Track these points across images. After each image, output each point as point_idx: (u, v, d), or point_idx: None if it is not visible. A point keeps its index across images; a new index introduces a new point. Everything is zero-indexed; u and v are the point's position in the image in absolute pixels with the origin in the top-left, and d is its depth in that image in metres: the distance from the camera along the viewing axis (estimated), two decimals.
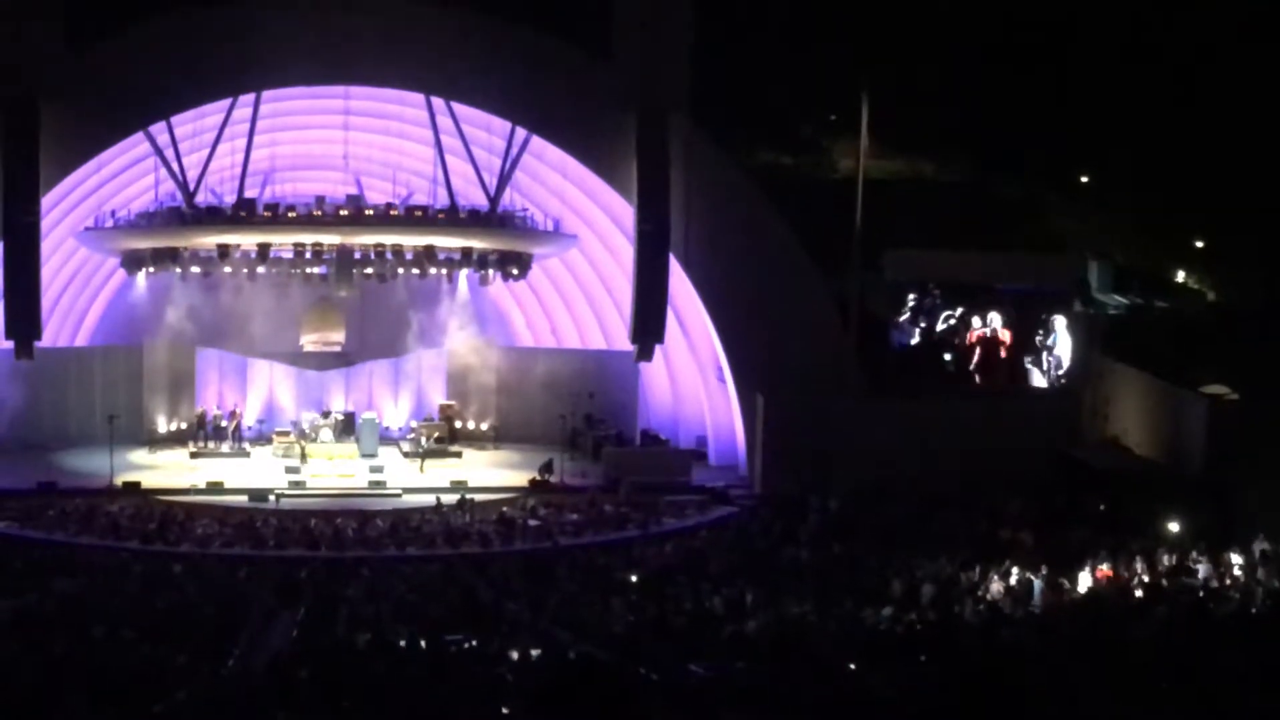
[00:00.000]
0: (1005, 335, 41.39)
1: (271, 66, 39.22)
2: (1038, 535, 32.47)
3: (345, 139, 43.22)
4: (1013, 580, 28.54)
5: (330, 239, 40.37)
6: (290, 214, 40.26)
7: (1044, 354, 41.57)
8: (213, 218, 40.07)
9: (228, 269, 40.99)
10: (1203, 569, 28.83)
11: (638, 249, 40.00)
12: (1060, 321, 41.58)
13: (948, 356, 41.33)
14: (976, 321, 41.34)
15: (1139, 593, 27.60)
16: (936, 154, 56.49)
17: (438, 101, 40.86)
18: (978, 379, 41.41)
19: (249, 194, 41.00)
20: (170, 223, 40.13)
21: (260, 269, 40.98)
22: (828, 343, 40.66)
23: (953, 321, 41.26)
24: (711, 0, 41.53)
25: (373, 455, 42.27)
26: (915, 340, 41.34)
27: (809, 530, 34.42)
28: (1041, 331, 41.52)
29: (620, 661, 20.71)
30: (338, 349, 45.77)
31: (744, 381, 40.77)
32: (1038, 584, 28.10)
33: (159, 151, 40.04)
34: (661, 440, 43.88)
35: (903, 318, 41.33)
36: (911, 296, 41.32)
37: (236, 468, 41.06)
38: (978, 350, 41.30)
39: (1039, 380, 41.63)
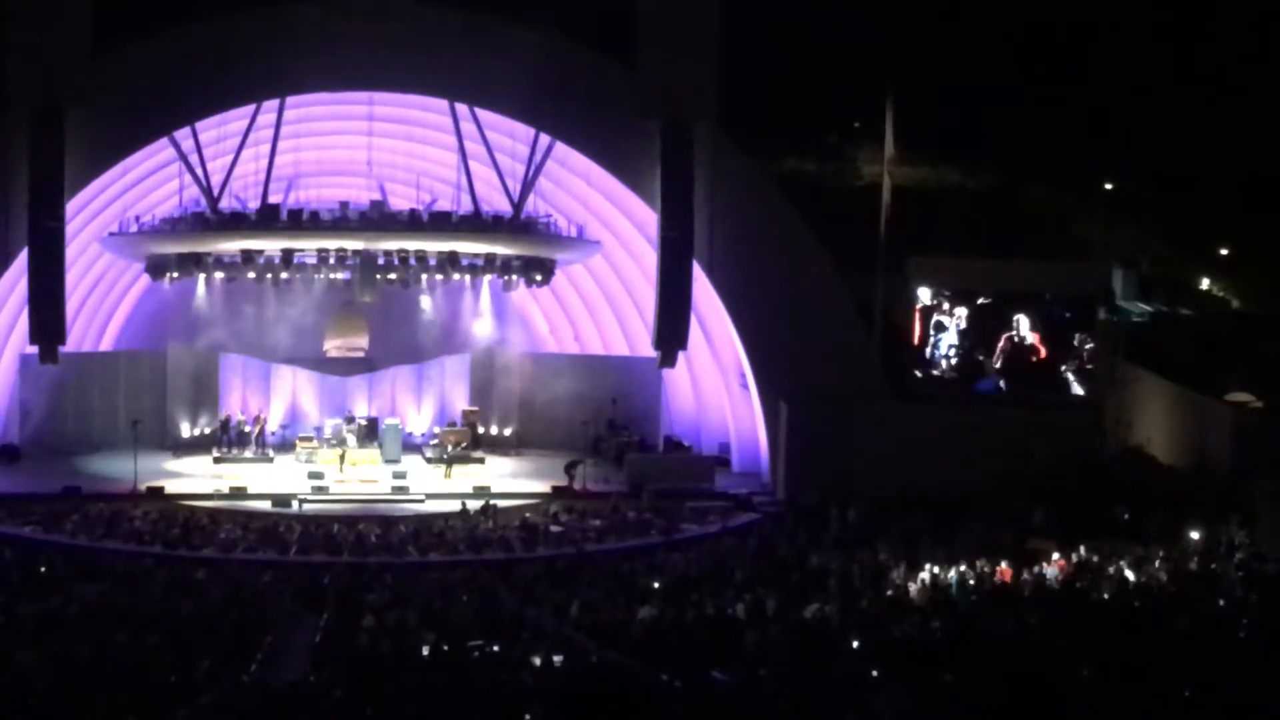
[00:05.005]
0: (1035, 341, 40.48)
1: (295, 73, 39.29)
2: (1061, 544, 32.32)
3: (369, 144, 43.36)
4: (1035, 588, 28.42)
5: (354, 244, 40.43)
6: (314, 219, 40.38)
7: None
8: (237, 223, 40.20)
9: (251, 274, 41.14)
10: (1227, 577, 28.68)
11: (661, 255, 39.94)
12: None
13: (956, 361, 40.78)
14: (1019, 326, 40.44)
15: (1163, 601, 27.45)
16: (961, 161, 56.35)
17: (461, 107, 40.86)
18: (1004, 385, 40.72)
19: (273, 199, 40.99)
20: (194, 228, 40.25)
21: (284, 274, 41.07)
22: (852, 350, 40.58)
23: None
24: (737, 8, 41.47)
25: (396, 461, 42.31)
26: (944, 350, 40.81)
27: (832, 537, 34.34)
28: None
29: (643, 668, 20.70)
30: (361, 354, 45.89)
31: (767, 388, 40.65)
32: (1060, 593, 27.98)
33: (183, 157, 40.14)
34: (684, 446, 43.83)
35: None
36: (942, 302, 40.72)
37: (260, 473, 41.05)
38: (1002, 356, 40.69)
39: (1077, 389, 40.43)
